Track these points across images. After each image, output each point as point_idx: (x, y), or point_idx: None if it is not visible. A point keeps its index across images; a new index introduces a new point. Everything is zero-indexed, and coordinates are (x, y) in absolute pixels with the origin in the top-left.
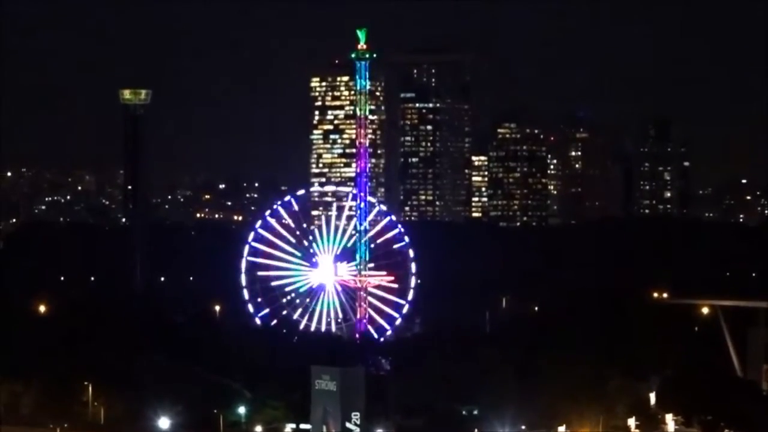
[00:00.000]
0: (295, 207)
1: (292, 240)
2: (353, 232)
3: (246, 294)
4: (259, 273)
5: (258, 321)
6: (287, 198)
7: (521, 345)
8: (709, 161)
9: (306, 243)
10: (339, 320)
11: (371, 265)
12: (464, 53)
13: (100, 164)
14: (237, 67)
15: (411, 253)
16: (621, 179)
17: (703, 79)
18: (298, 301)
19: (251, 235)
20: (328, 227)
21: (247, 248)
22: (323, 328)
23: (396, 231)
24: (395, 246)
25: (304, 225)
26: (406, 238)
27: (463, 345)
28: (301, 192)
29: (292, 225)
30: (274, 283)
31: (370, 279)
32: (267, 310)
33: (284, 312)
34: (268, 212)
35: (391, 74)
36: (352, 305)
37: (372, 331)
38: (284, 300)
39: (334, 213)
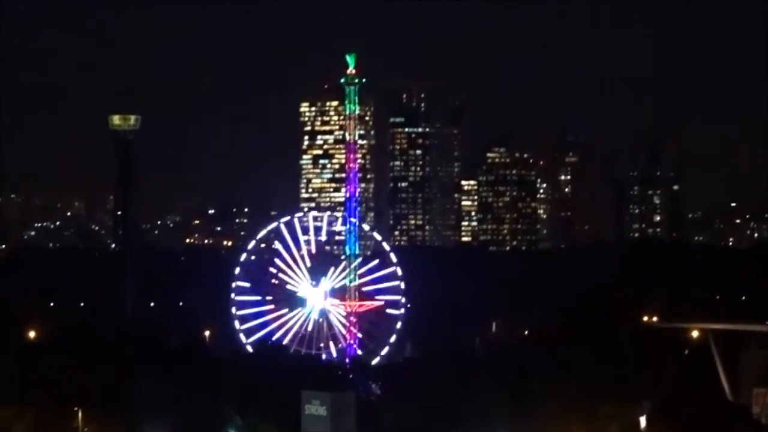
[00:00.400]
0: (284, 233)
1: (279, 274)
2: (342, 258)
3: (237, 324)
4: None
5: (249, 348)
6: (276, 224)
7: (512, 368)
8: (698, 185)
9: (293, 272)
10: (329, 345)
11: (362, 289)
12: (452, 79)
13: (90, 190)
14: (226, 91)
15: (401, 277)
16: (611, 203)
17: (701, 89)
18: (288, 326)
19: (242, 257)
20: (316, 251)
21: (236, 277)
22: (313, 352)
23: (385, 255)
24: (385, 271)
25: (294, 251)
26: (396, 263)
27: (453, 368)
28: (288, 218)
29: (282, 251)
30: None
31: (360, 304)
32: (257, 336)
33: (275, 337)
34: (254, 240)
35: (380, 99)
36: (341, 329)
37: (362, 355)
38: (274, 326)
39: (323, 238)
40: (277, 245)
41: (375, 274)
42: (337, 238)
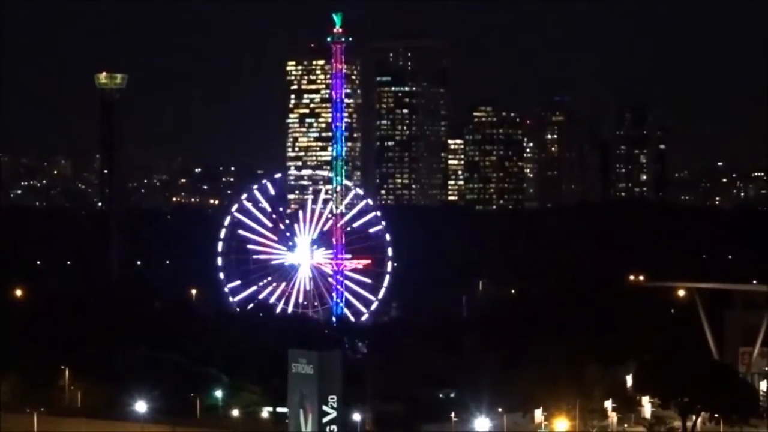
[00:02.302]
0: (272, 191)
1: (269, 223)
2: (329, 216)
3: (222, 276)
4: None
5: (235, 304)
6: (263, 182)
7: (499, 329)
8: (685, 144)
9: (282, 226)
10: (315, 304)
11: (347, 248)
12: (439, 38)
13: (77, 149)
14: (213, 50)
15: (387, 236)
16: (597, 162)
17: (688, 52)
18: (275, 284)
19: (227, 219)
20: (305, 211)
21: (223, 231)
22: (300, 311)
23: (372, 215)
24: (371, 230)
25: (281, 209)
26: (383, 222)
27: (440, 329)
28: (277, 176)
29: (269, 209)
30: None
31: (347, 262)
32: (244, 294)
33: (261, 296)
34: (244, 196)
35: (367, 58)
36: (328, 288)
37: (349, 314)
38: (261, 283)
39: (310, 197)
40: (264, 204)
41: (361, 234)
42: (324, 197)
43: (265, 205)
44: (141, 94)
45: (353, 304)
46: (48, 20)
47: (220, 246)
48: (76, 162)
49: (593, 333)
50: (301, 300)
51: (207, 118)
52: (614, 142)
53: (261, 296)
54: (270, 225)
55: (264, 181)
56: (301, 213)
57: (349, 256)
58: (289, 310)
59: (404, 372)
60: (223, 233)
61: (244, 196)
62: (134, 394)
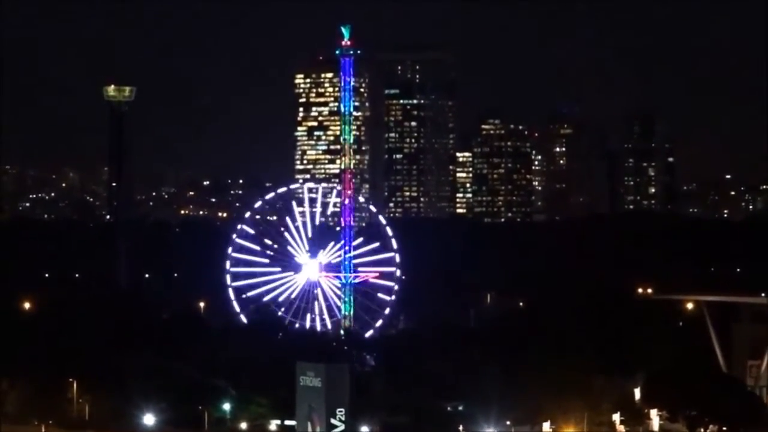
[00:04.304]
0: (279, 204)
1: (275, 244)
2: (322, 219)
3: (231, 293)
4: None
5: (243, 318)
6: (271, 195)
7: (507, 341)
8: (693, 157)
9: (289, 240)
10: (323, 317)
11: (356, 261)
12: (446, 51)
13: (85, 161)
14: (220, 63)
15: (395, 249)
16: (605, 175)
17: (691, 72)
18: (283, 297)
19: (236, 230)
20: (313, 223)
21: (232, 242)
22: (308, 325)
23: (380, 227)
24: (379, 242)
25: (288, 222)
26: (391, 234)
27: (448, 341)
28: (284, 189)
29: (276, 222)
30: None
31: (355, 275)
32: (252, 306)
33: (269, 308)
34: (255, 206)
35: (375, 71)
36: (336, 302)
37: (356, 327)
38: (270, 297)
39: (318, 210)
40: (272, 217)
41: (369, 247)
42: (331, 209)
43: (272, 218)
44: (149, 106)
45: (361, 316)
46: (56, 30)
47: (228, 257)
48: (84, 174)
49: (601, 345)
50: (308, 313)
51: (215, 131)
52: (622, 155)
53: (269, 308)
54: (276, 246)
55: (271, 195)
56: (308, 225)
57: (358, 268)
58: (297, 323)
59: (412, 384)
60: (231, 244)
61: (257, 204)
62: (142, 406)
